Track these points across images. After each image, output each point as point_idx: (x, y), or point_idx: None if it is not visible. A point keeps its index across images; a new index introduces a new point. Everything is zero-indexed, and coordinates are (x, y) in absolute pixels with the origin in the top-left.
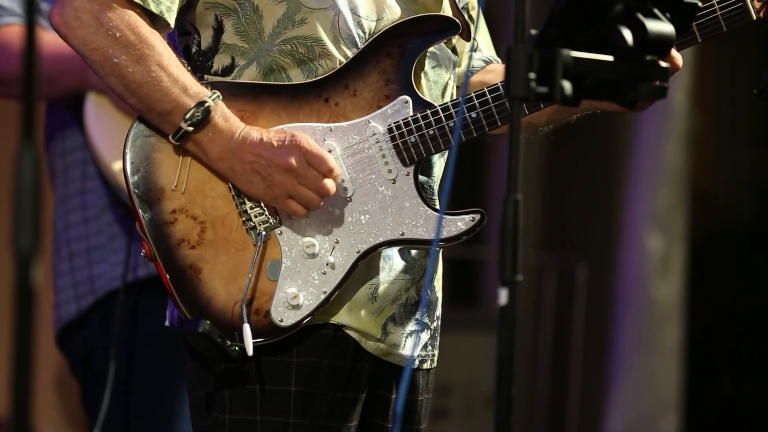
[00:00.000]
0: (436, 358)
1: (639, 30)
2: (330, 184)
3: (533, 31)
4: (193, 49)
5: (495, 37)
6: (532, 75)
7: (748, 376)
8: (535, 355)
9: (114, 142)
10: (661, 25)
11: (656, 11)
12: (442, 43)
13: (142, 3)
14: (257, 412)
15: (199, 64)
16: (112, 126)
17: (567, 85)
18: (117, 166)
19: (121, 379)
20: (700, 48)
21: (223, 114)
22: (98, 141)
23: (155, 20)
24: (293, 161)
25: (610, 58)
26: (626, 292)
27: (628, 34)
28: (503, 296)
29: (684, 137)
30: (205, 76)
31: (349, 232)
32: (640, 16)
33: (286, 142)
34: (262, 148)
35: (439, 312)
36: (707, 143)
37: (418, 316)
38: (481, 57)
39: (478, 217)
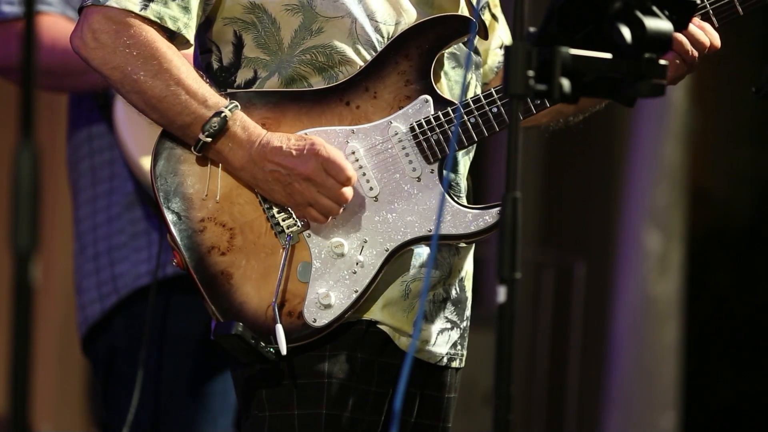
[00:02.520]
0: (464, 358)
1: (637, 28)
2: (348, 192)
3: (532, 29)
4: (215, 66)
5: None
6: (531, 73)
7: (746, 373)
8: (533, 352)
9: (143, 140)
10: (659, 23)
11: (655, 9)
12: (462, 44)
13: (159, 21)
14: (294, 407)
15: (222, 79)
16: (142, 124)
17: (566, 83)
18: (146, 163)
19: (149, 379)
20: None
21: (243, 123)
22: (128, 139)
23: (174, 37)
24: (312, 170)
25: (608, 55)
26: (624, 289)
27: (626, 32)
28: (502, 294)
29: (682, 135)
30: (228, 91)
31: (376, 232)
32: (639, 14)
33: (305, 151)
34: (282, 156)
35: (468, 312)
36: (706, 141)
37: (447, 314)
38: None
39: None
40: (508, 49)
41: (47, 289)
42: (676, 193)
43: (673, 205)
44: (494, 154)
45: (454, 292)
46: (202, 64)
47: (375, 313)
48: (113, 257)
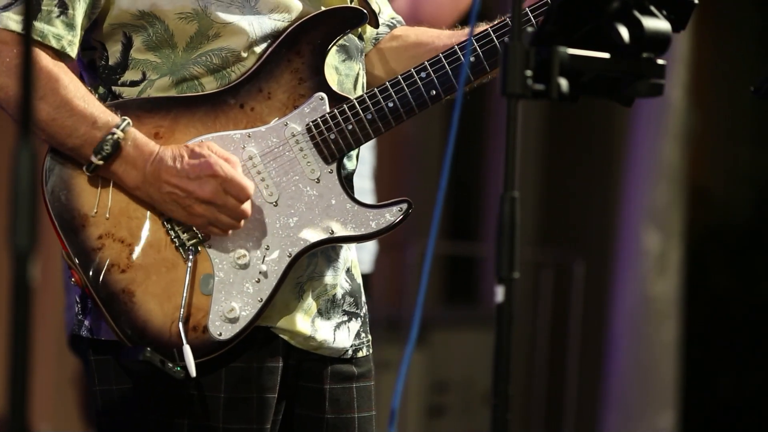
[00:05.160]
0: (370, 343)
1: (635, 27)
2: (247, 207)
3: (530, 29)
4: (99, 63)
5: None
6: (529, 72)
7: (744, 372)
8: (532, 351)
9: None
10: (657, 23)
11: (653, 8)
12: (350, 34)
13: (42, 40)
14: (185, 416)
15: (105, 76)
16: None
17: (564, 83)
18: None
19: None
20: (697, 45)
21: (134, 141)
22: None
23: (56, 53)
24: (211, 193)
25: (606, 55)
26: (623, 288)
27: (624, 32)
28: (500, 293)
29: (681, 134)
30: (113, 88)
31: (278, 238)
32: (637, 14)
33: (203, 173)
34: (178, 178)
35: (364, 298)
36: (704, 140)
37: (346, 307)
38: (384, 21)
39: (405, 206)
40: (506, 48)
41: (46, 289)
42: (674, 193)
43: (671, 204)
44: (492, 153)
45: (347, 285)
46: (84, 60)
47: (271, 318)
48: None
